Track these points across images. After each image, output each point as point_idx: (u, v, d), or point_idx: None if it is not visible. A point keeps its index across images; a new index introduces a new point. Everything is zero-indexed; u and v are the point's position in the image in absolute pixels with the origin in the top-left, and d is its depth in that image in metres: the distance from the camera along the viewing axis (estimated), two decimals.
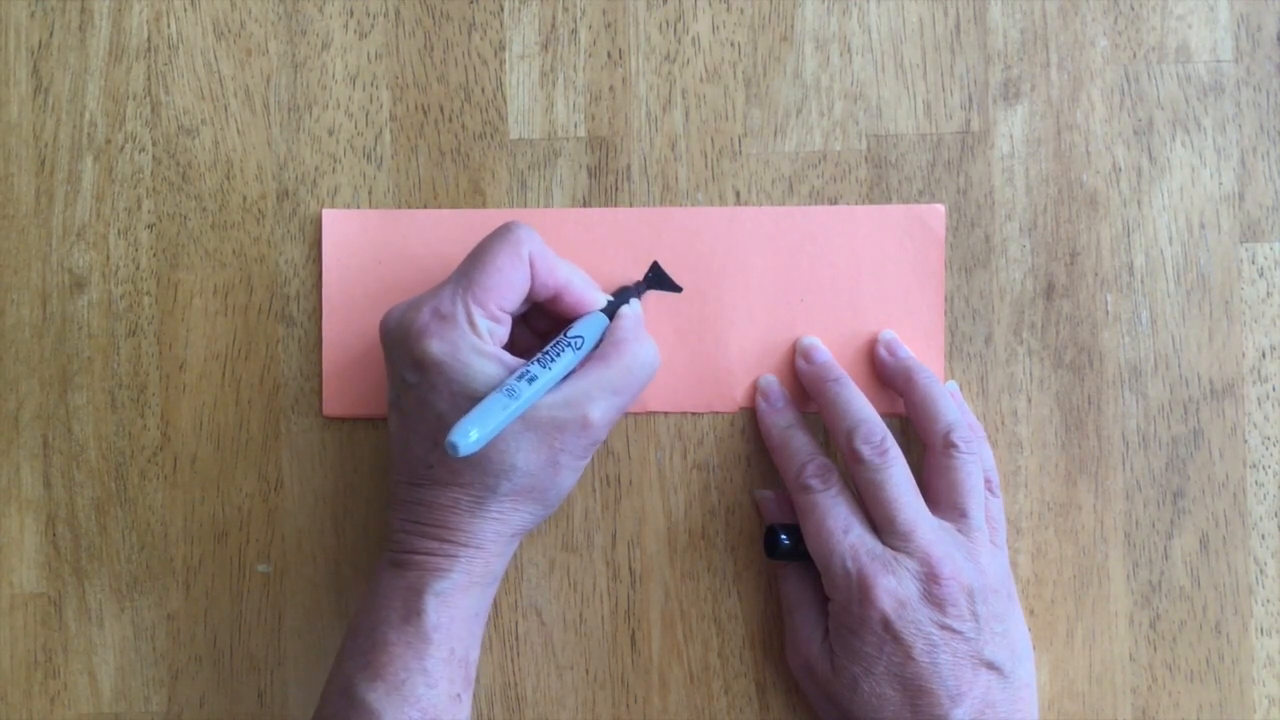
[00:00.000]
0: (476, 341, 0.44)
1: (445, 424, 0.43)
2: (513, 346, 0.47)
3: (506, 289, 0.45)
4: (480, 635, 0.46)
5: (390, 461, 0.47)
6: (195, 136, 0.51)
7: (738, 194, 0.51)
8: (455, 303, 0.45)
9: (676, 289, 0.51)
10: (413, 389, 0.45)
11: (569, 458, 0.45)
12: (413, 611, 0.44)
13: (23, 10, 0.51)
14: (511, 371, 0.44)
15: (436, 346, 0.44)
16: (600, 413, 0.45)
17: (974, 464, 0.48)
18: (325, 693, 0.45)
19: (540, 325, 0.49)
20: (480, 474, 0.44)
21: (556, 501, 0.46)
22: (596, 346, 0.47)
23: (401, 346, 0.45)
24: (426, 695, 0.44)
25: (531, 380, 0.44)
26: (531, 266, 0.46)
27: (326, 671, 0.50)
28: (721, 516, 0.51)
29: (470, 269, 0.45)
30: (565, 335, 0.46)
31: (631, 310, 0.48)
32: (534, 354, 0.45)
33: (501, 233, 0.46)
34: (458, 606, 0.45)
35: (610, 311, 0.48)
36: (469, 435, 0.41)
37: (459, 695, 0.45)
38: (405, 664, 0.44)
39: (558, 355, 0.45)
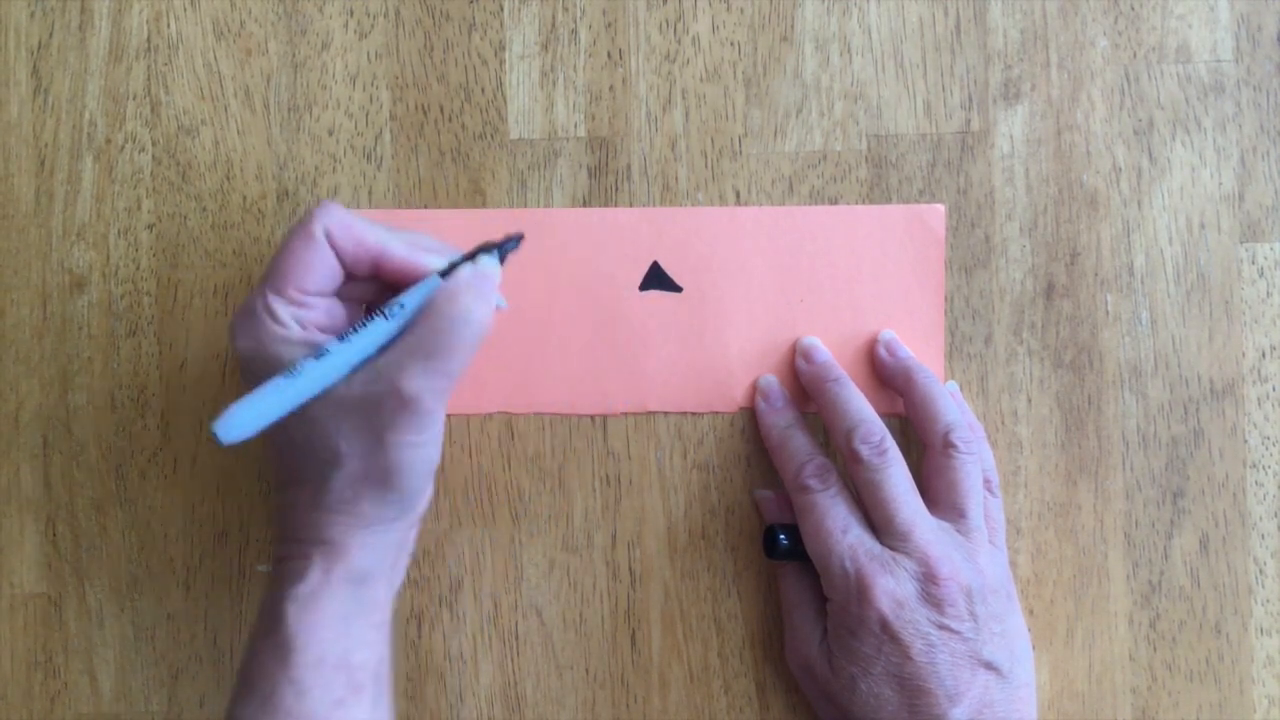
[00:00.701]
0: (279, 330, 0.42)
1: None
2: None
3: (302, 271, 0.43)
4: (371, 637, 0.44)
5: None
6: (195, 136, 0.51)
7: (738, 194, 0.51)
8: (255, 297, 0.43)
9: (677, 289, 0.51)
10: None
11: (394, 436, 0.42)
12: (274, 621, 0.43)
13: (23, 10, 0.51)
14: None
15: (242, 343, 0.43)
16: (414, 383, 0.41)
17: (973, 464, 0.48)
18: None
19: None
20: (309, 466, 0.43)
21: (410, 486, 0.43)
22: None
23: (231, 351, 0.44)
24: (296, 705, 0.42)
25: (321, 356, 0.41)
26: (332, 240, 0.43)
27: None
28: (721, 516, 0.51)
29: (271, 260, 0.43)
30: (383, 304, 0.43)
31: (472, 269, 0.43)
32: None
33: (300, 217, 0.44)
34: (320, 610, 0.43)
35: (450, 274, 0.43)
36: (230, 421, 0.39)
37: (341, 700, 0.43)
38: (271, 675, 0.42)
39: (363, 326, 0.42)
